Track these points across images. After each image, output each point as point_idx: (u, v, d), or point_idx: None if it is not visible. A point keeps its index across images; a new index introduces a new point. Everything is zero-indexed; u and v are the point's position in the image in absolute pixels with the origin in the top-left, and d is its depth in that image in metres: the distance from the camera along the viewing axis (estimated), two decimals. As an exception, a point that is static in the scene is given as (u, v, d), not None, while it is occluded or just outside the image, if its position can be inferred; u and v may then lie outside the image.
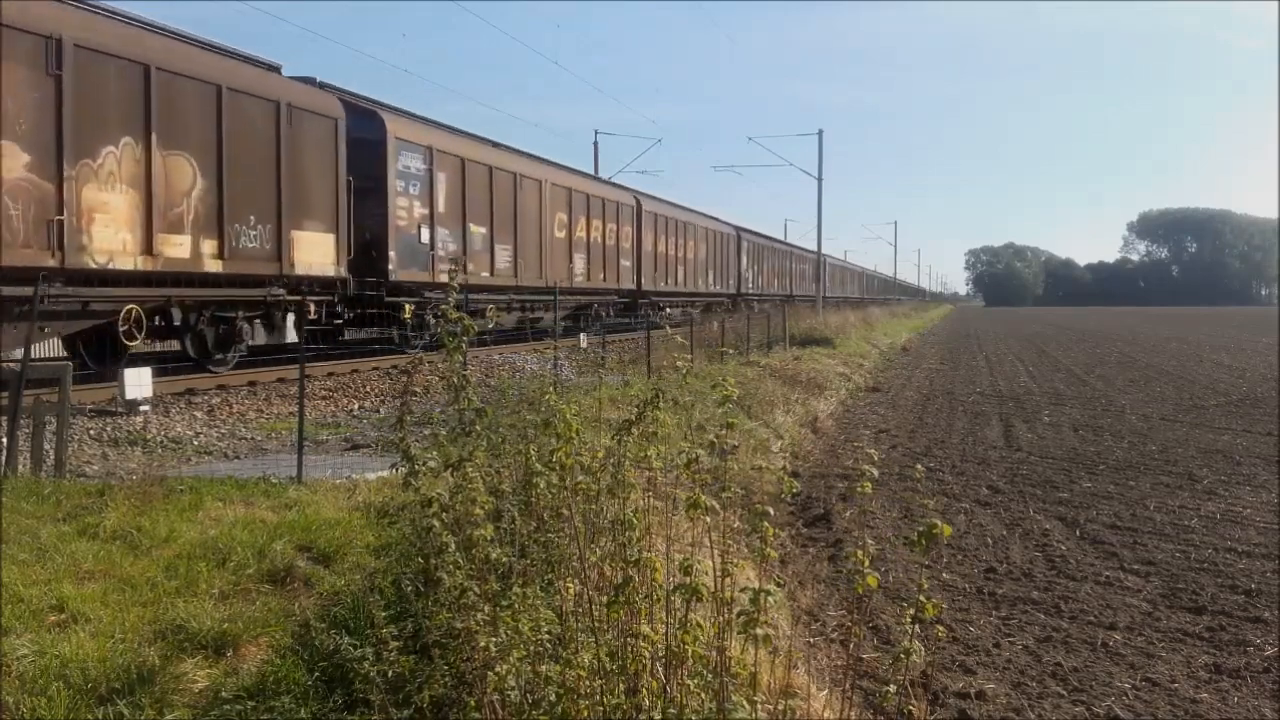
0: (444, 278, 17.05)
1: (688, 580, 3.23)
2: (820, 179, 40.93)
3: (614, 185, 31.60)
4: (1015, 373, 27.22)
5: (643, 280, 30.80)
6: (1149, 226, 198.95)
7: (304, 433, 7.63)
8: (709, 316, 28.39)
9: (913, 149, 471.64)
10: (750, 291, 45.47)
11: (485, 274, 20.37)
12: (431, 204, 18.25)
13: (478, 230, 20.04)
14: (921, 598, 3.10)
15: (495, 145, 22.57)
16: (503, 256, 21.07)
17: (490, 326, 20.19)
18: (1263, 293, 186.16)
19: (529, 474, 4.08)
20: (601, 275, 27.29)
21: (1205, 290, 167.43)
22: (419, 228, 17.90)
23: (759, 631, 3.07)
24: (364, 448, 8.99)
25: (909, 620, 3.23)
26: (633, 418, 3.85)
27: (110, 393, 10.81)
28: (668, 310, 34.74)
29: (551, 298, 23.42)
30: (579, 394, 9.54)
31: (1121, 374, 26.49)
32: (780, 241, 56.75)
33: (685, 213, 37.43)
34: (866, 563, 3.24)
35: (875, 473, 3.39)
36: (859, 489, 3.35)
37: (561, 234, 24.58)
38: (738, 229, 44.14)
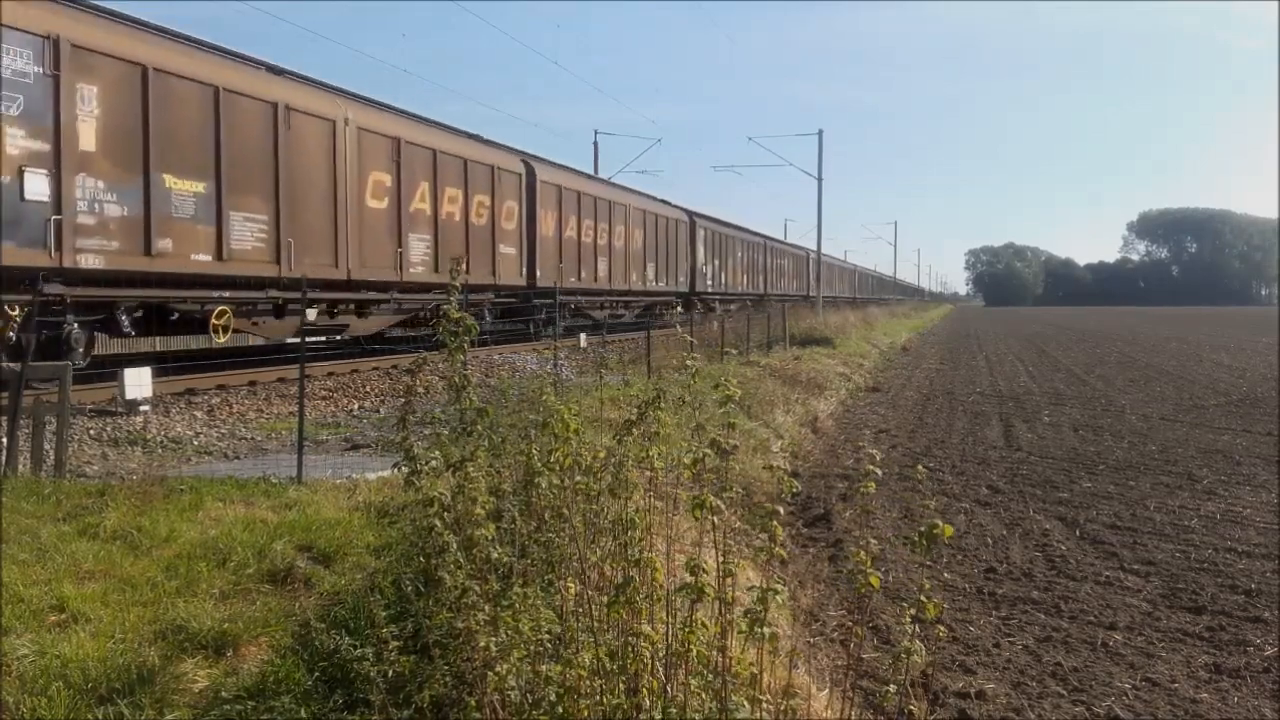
0: (91, 261, 11.33)
1: (692, 580, 3.23)
2: (820, 179, 41.01)
3: (490, 144, 22.43)
4: (1015, 373, 27.21)
5: (538, 274, 23.07)
6: (1149, 226, 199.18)
7: (304, 432, 7.63)
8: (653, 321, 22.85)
9: (912, 149, 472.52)
10: (709, 290, 38.06)
11: (204, 255, 13.00)
12: (59, 135, 10.94)
13: (185, 187, 12.65)
14: (922, 598, 3.10)
15: (241, 59, 14.76)
16: (247, 231, 13.71)
17: (219, 342, 13.59)
18: (1263, 293, 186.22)
19: (530, 474, 4.08)
20: (464, 266, 18.83)
21: (1205, 290, 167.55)
22: (20, 174, 10.56)
23: (765, 630, 3.07)
24: (364, 448, 8.99)
25: (909, 620, 3.23)
26: (634, 418, 3.85)
27: (110, 393, 10.81)
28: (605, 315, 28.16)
29: (360, 296, 16.44)
30: (579, 393, 9.55)
31: (1121, 374, 26.49)
32: (750, 232, 47.29)
33: (611, 189, 29.44)
34: (869, 563, 3.24)
35: (879, 472, 3.39)
36: (862, 489, 3.35)
37: (381, 204, 16.84)
38: (691, 213, 36.35)
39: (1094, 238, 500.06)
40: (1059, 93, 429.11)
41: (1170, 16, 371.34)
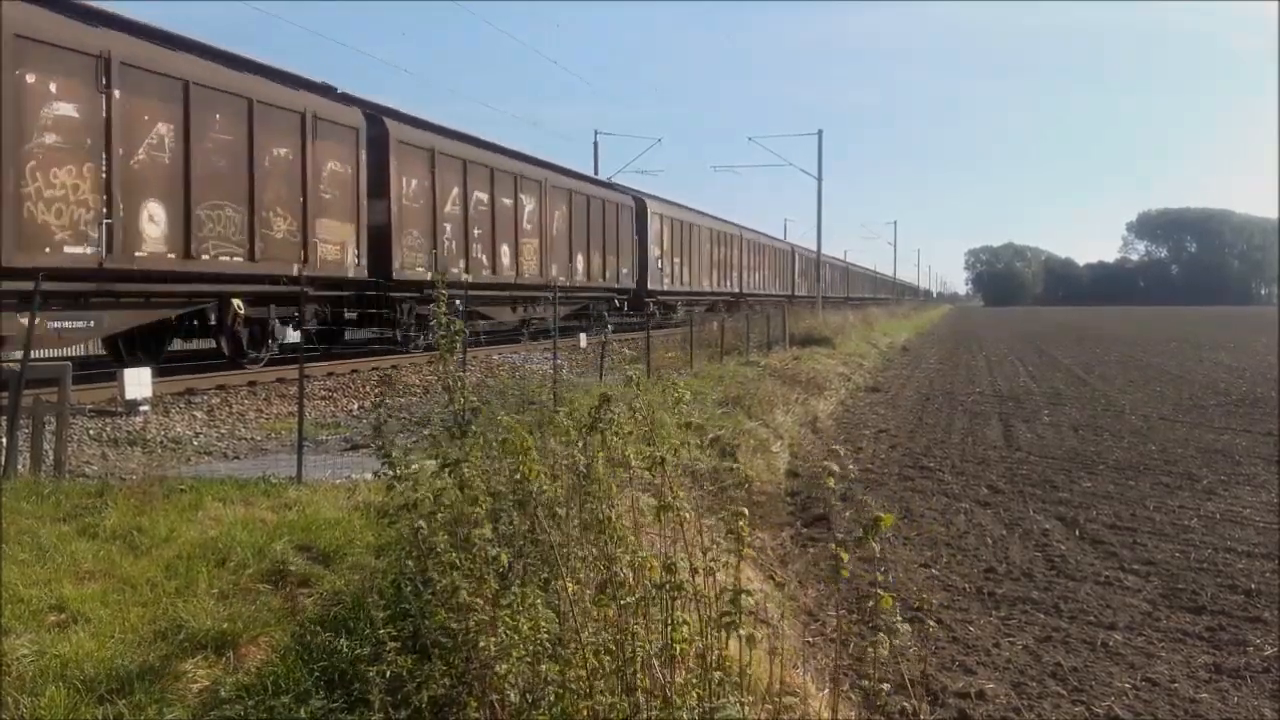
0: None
1: (616, 569, 3.25)
2: (820, 179, 40.96)
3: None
4: (1015, 372, 27.21)
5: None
6: (1148, 226, 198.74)
7: (303, 432, 7.62)
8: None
9: (912, 149, 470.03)
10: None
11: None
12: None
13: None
14: (879, 591, 3.14)
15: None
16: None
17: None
18: (1262, 292, 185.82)
19: (514, 476, 4.08)
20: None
21: (1205, 290, 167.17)
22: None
23: (742, 631, 3.08)
24: (363, 448, 8.98)
25: (881, 616, 3.25)
26: (589, 423, 3.86)
27: (110, 393, 10.80)
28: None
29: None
30: (580, 392, 9.54)
31: (1121, 374, 26.48)
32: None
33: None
34: (846, 558, 3.26)
35: (836, 469, 3.42)
36: (824, 481, 3.38)
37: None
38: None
39: (1094, 238, 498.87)
40: (1059, 93, 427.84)
41: (1170, 15, 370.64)
